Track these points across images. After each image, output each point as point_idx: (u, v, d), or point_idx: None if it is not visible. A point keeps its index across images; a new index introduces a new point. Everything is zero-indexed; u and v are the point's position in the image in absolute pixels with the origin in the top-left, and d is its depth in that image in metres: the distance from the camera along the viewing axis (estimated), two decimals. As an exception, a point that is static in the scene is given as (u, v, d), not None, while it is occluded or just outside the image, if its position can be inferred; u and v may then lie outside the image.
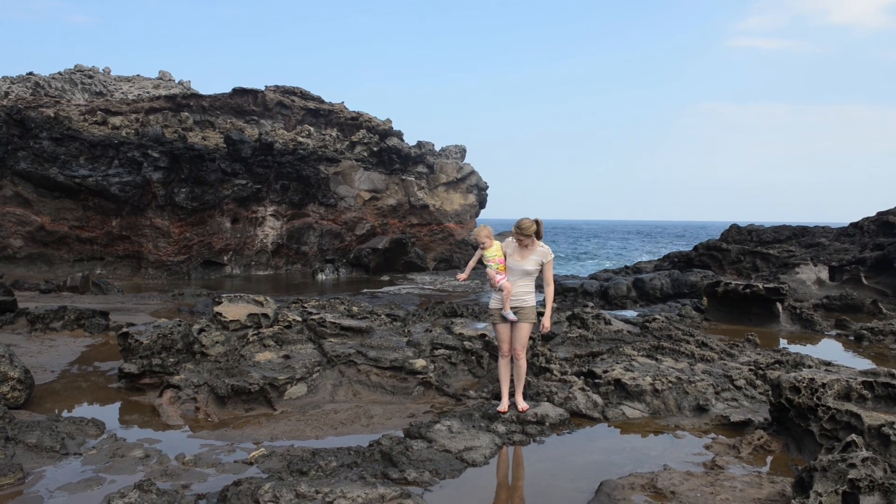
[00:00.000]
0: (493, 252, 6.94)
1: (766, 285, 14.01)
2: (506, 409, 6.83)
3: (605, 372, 7.82)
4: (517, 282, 6.84)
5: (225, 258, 28.07)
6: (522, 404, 6.91)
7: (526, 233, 6.70)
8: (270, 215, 29.18)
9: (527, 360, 8.71)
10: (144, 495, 4.59)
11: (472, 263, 7.51)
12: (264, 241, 29.10)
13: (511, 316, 6.83)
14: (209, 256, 27.67)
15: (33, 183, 25.25)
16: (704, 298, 15.27)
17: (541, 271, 6.86)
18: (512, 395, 7.08)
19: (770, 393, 6.81)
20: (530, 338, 9.67)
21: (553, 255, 6.84)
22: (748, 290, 13.97)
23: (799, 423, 6.14)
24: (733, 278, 19.51)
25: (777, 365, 8.87)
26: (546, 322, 6.87)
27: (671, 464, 5.74)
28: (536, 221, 6.77)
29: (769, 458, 6.00)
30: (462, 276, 7.68)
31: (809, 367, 8.65)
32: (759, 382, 7.93)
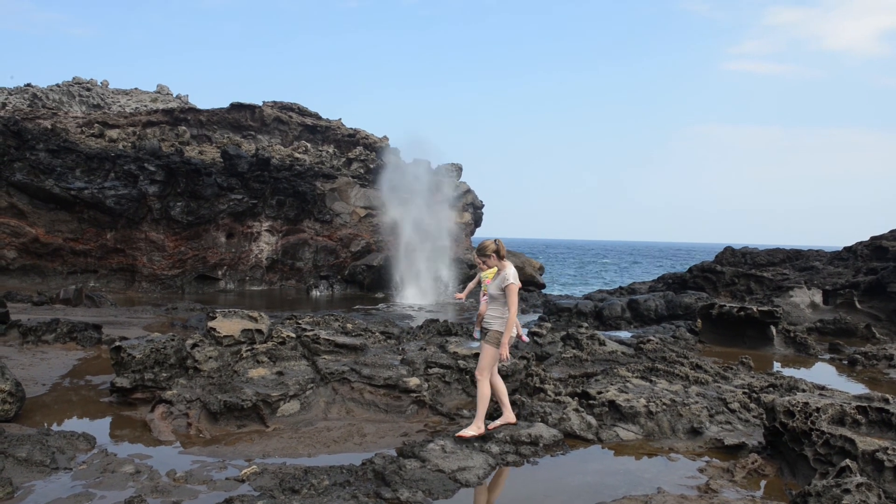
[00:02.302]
0: (485, 274, 7.04)
1: (760, 308, 14.04)
2: (494, 426, 6.85)
3: (600, 393, 7.81)
4: (488, 305, 6.88)
5: (219, 273, 27.99)
6: (465, 430, 6.65)
7: (484, 253, 6.81)
8: (266, 231, 29.15)
9: (521, 381, 8.70)
10: (135, 512, 4.56)
11: (471, 285, 7.58)
12: (259, 256, 29.05)
13: (475, 335, 7.09)
14: (203, 271, 27.58)
15: (28, 194, 25.19)
16: (699, 320, 15.28)
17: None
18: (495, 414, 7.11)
19: (764, 416, 6.81)
20: (523, 357, 9.67)
21: (512, 281, 6.58)
22: (742, 313, 13.99)
23: (793, 447, 6.14)
24: (727, 301, 19.55)
25: (771, 388, 8.88)
26: (502, 350, 6.60)
27: (665, 487, 5.72)
28: (496, 241, 6.85)
29: (763, 483, 5.99)
30: (460, 294, 7.78)
31: (803, 391, 8.66)
32: (753, 406, 7.93)
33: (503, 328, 6.67)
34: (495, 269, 6.90)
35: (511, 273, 6.67)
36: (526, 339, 7.49)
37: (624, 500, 5.26)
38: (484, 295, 7.01)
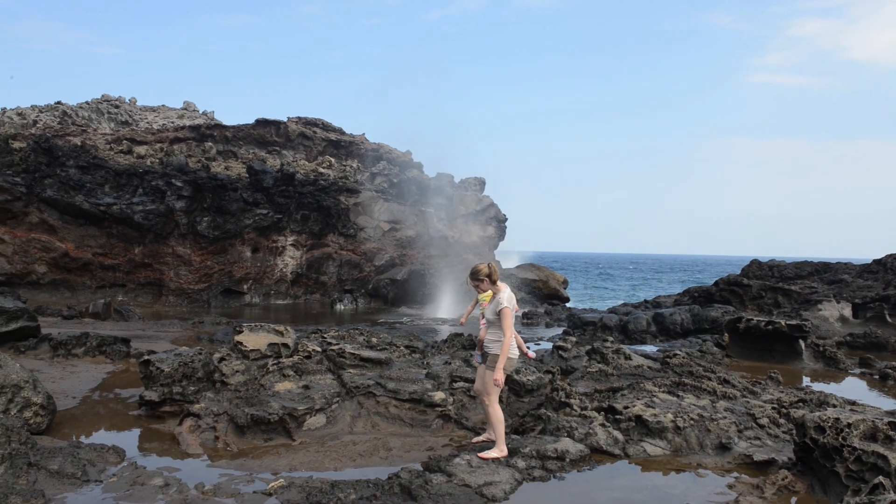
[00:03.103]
0: (482, 297, 7.06)
1: (788, 322, 13.87)
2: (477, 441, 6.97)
3: (626, 408, 7.75)
4: (487, 329, 6.87)
5: (245, 287, 28.24)
6: (488, 451, 6.56)
7: (476, 277, 6.83)
8: (290, 245, 29.37)
9: (547, 395, 8.66)
10: (165, 524, 4.60)
11: (470, 309, 7.60)
12: (284, 270, 29.26)
13: (476, 360, 7.04)
14: (229, 285, 27.85)
15: (59, 210, 25.65)
16: (726, 334, 15.13)
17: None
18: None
19: (794, 432, 6.72)
20: (548, 371, 9.64)
21: (506, 305, 6.59)
22: (770, 327, 13.82)
23: (824, 463, 6.04)
24: (755, 314, 19.33)
25: (801, 403, 8.76)
26: (496, 374, 6.53)
27: (694, 503, 5.66)
28: (489, 265, 6.85)
29: (794, 499, 5.90)
30: (462, 320, 7.86)
31: (834, 406, 8.53)
32: (782, 421, 7.82)
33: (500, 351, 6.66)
34: (491, 292, 6.89)
35: (505, 297, 6.67)
36: (532, 355, 7.45)
37: (652, 517, 5.21)
38: (482, 319, 7.02)
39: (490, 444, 6.70)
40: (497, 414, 6.70)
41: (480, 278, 6.82)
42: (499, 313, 6.64)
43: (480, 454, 6.50)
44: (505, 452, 6.57)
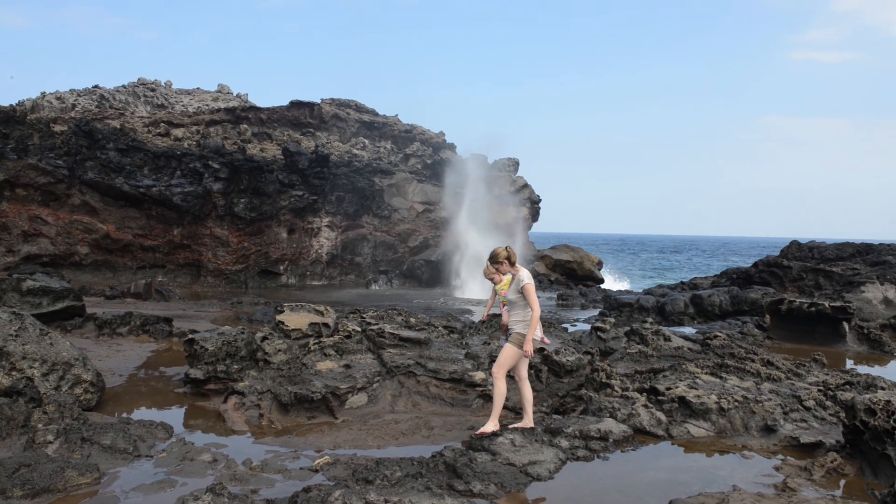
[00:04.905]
0: (501, 286, 7.15)
1: (832, 304, 13.62)
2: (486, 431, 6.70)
3: (669, 389, 7.69)
4: (509, 312, 6.98)
5: (281, 268, 28.49)
6: (483, 427, 6.75)
7: (496, 260, 6.98)
8: (325, 226, 29.53)
9: (587, 376, 8.64)
10: (217, 498, 4.69)
11: (490, 303, 7.68)
12: (319, 251, 29.45)
13: (503, 343, 7.07)
14: (266, 266, 28.12)
15: (100, 192, 26.06)
16: (767, 316, 14.91)
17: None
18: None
19: (842, 414, 6.62)
20: (587, 352, 9.61)
21: (527, 281, 6.73)
22: (813, 309, 13.59)
23: (875, 446, 5.94)
24: (796, 296, 19.01)
25: (848, 386, 8.60)
26: (526, 346, 6.65)
27: (740, 484, 5.61)
28: (507, 248, 7.00)
29: (843, 482, 5.82)
30: (484, 316, 7.93)
31: (882, 388, 8.38)
32: (829, 403, 7.70)
33: (525, 329, 6.74)
34: (509, 278, 7.03)
35: (525, 275, 6.82)
36: (548, 341, 7.44)
37: (700, 497, 5.17)
38: (503, 305, 7.11)
39: (526, 430, 6.68)
40: (501, 389, 6.81)
41: (500, 261, 6.96)
42: (521, 290, 6.74)
43: (479, 430, 6.69)
44: (497, 427, 6.70)
